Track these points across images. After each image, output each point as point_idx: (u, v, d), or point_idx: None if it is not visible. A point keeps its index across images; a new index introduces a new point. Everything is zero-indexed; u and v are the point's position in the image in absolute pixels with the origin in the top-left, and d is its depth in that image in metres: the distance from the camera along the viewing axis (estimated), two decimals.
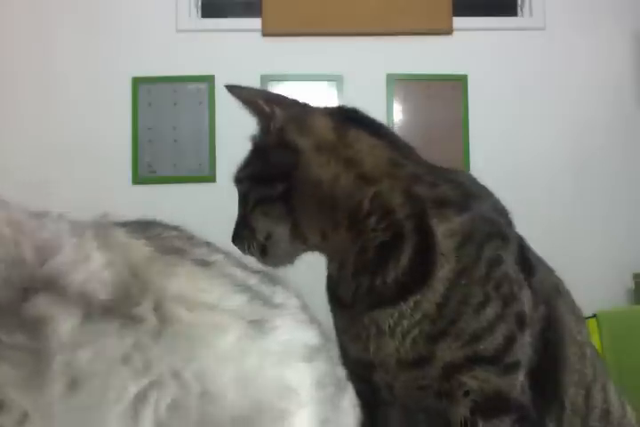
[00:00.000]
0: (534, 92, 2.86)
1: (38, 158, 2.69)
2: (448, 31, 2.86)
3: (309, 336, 0.51)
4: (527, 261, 0.69)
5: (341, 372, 0.53)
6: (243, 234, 0.72)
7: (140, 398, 0.43)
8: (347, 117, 0.71)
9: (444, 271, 0.63)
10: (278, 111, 0.70)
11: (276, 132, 0.70)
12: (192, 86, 2.82)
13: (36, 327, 0.42)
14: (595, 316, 1.64)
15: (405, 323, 0.63)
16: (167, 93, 2.82)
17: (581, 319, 0.73)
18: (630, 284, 2.69)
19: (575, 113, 2.85)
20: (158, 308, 0.45)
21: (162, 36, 2.85)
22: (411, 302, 0.63)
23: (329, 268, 0.72)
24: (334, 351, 0.54)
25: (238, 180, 0.75)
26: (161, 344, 0.44)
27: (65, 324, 0.42)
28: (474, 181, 0.72)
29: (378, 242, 0.65)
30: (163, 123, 2.81)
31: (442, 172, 0.71)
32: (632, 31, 2.89)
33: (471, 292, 0.63)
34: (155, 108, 2.83)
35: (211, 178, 2.76)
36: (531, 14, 2.95)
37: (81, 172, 2.66)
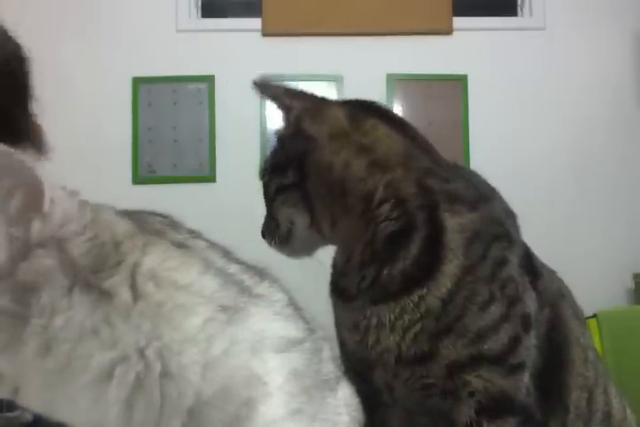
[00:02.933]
0: (534, 92, 2.86)
1: None
2: (448, 31, 2.86)
3: (287, 329, 0.51)
4: (532, 265, 0.69)
5: (331, 369, 0.53)
6: (269, 227, 0.74)
7: (106, 373, 0.45)
8: (365, 108, 0.72)
9: (451, 266, 0.63)
10: (295, 103, 0.72)
11: (293, 121, 0.72)
12: (192, 86, 2.82)
13: (23, 293, 0.44)
14: (595, 316, 1.63)
15: (407, 318, 0.63)
16: (167, 93, 2.82)
17: (583, 323, 0.73)
18: (630, 284, 2.69)
19: (575, 113, 2.85)
20: (130, 282, 0.46)
21: (162, 36, 2.85)
22: (415, 297, 0.63)
23: (335, 258, 0.72)
24: (324, 349, 0.54)
25: (262, 174, 0.76)
26: (128, 321, 0.45)
27: (50, 293, 0.44)
28: (485, 182, 0.72)
29: (389, 231, 0.65)
30: (163, 123, 2.81)
31: (458, 170, 0.72)
32: (632, 31, 2.89)
33: (476, 290, 0.63)
34: (155, 108, 2.83)
35: (211, 178, 2.76)
36: (531, 14, 2.95)
37: (81, 172, 2.66)
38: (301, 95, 0.74)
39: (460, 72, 2.85)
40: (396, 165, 0.66)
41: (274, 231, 0.73)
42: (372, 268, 0.65)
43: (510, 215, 0.70)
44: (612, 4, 2.89)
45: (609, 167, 2.84)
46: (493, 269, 0.64)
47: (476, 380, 0.61)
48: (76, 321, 0.44)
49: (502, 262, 0.64)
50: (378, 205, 0.65)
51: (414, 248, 0.64)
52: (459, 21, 2.87)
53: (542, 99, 2.86)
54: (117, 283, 0.46)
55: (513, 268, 0.65)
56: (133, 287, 0.46)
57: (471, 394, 0.61)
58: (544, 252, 0.74)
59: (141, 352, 0.45)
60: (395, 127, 0.69)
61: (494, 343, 0.62)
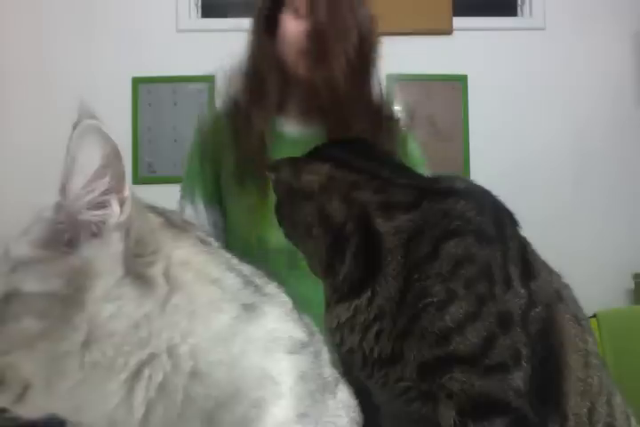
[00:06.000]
0: (534, 92, 2.86)
1: (38, 158, 2.68)
2: (448, 31, 2.86)
3: (296, 330, 0.51)
4: (527, 264, 0.67)
5: (330, 373, 0.53)
6: None
7: (137, 373, 0.44)
8: (313, 155, 0.76)
9: (392, 267, 0.63)
10: (272, 176, 0.79)
11: None
12: (192, 86, 2.82)
13: (78, 277, 0.43)
14: (595, 316, 1.64)
15: (362, 317, 0.64)
16: (167, 93, 2.82)
17: (587, 328, 0.70)
18: (630, 284, 2.69)
19: (575, 113, 2.85)
20: (166, 272, 0.46)
21: (162, 36, 2.85)
22: (364, 298, 0.64)
23: None
24: (323, 352, 0.54)
25: None
26: (164, 316, 0.45)
27: (105, 281, 0.43)
28: (464, 180, 0.72)
29: (325, 246, 0.69)
30: (163, 123, 2.81)
31: (411, 179, 0.71)
32: (632, 31, 2.89)
33: (428, 289, 0.62)
34: (155, 108, 2.83)
35: None
36: (531, 14, 2.95)
37: None
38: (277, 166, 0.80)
39: (460, 72, 2.85)
40: (319, 192, 0.70)
41: None
42: (329, 279, 0.70)
43: (487, 211, 0.68)
44: (611, 4, 2.89)
45: (608, 167, 2.84)
46: (453, 266, 0.62)
47: (451, 382, 0.60)
48: (124, 312, 0.43)
49: (467, 260, 0.63)
50: (312, 230, 0.70)
51: (350, 255, 0.67)
52: (459, 21, 2.87)
53: (542, 99, 2.86)
54: (157, 272, 0.45)
55: (490, 265, 0.64)
56: (169, 277, 0.45)
57: (449, 396, 0.60)
58: (543, 252, 0.74)
59: (172, 351, 0.44)
60: (327, 159, 0.73)
61: (462, 344, 0.60)
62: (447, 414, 0.60)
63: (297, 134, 1.23)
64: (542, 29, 2.90)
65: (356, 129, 1.16)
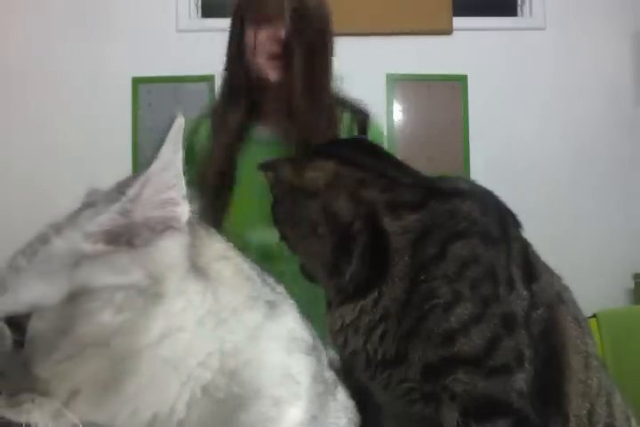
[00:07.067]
0: (534, 93, 2.86)
1: (38, 158, 2.68)
2: (448, 31, 2.86)
3: (306, 332, 0.51)
4: (529, 265, 0.67)
5: (330, 375, 0.53)
6: None
7: (190, 376, 0.43)
8: (315, 153, 0.75)
9: (399, 267, 0.63)
10: (270, 175, 0.78)
11: None
12: (192, 86, 2.82)
13: (157, 268, 0.42)
14: (594, 316, 1.63)
15: (367, 318, 0.63)
16: (167, 93, 2.82)
17: (587, 331, 0.70)
18: (630, 284, 2.69)
19: (575, 113, 2.85)
20: (212, 265, 0.46)
21: (162, 36, 2.85)
22: (370, 299, 0.63)
23: None
24: (323, 355, 0.54)
25: None
26: (218, 313, 0.44)
27: (177, 273, 0.43)
28: (467, 181, 0.72)
29: (331, 245, 0.68)
30: (163, 123, 2.80)
31: (416, 179, 0.71)
32: (631, 31, 2.89)
33: (435, 290, 0.61)
34: (155, 108, 2.83)
35: None
36: (531, 14, 2.95)
37: (81, 172, 2.66)
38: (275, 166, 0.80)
39: (460, 72, 2.85)
40: (325, 190, 0.69)
41: None
42: (334, 280, 0.68)
43: (491, 212, 0.68)
44: (611, 4, 2.89)
45: (609, 168, 2.84)
46: (459, 268, 0.62)
47: (454, 383, 0.60)
48: (191, 306, 0.43)
49: (473, 261, 0.63)
50: (316, 228, 0.69)
51: (356, 256, 0.66)
52: (459, 21, 2.87)
53: (542, 99, 2.86)
54: (205, 264, 0.45)
55: (494, 267, 0.64)
56: (215, 270, 0.45)
57: (452, 397, 0.60)
58: (544, 252, 0.74)
59: (222, 348, 0.44)
60: (330, 156, 0.72)
61: (466, 345, 0.60)
62: (450, 416, 0.60)
63: (267, 138, 1.33)
64: (542, 29, 2.90)
65: (314, 128, 1.27)
